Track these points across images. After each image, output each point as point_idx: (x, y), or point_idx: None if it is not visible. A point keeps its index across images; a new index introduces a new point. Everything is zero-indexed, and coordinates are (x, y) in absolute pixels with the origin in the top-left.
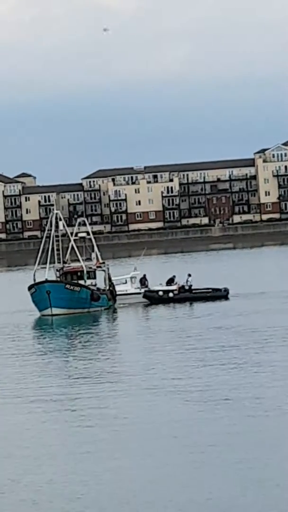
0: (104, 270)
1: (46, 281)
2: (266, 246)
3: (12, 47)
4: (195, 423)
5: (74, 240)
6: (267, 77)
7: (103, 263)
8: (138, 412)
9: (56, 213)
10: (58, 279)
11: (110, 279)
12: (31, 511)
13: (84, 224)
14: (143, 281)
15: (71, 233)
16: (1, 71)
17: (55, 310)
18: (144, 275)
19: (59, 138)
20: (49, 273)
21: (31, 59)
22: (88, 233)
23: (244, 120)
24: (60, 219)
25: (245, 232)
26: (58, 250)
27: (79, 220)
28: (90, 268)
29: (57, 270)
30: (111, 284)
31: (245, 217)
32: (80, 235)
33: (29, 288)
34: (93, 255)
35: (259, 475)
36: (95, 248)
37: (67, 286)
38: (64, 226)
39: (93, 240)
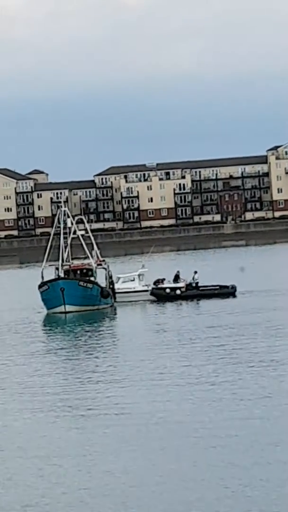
0: (104, 268)
1: (60, 278)
2: (278, 243)
3: (25, 43)
4: (198, 424)
5: (72, 238)
6: (280, 74)
7: (103, 261)
8: (143, 412)
9: (64, 210)
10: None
11: (110, 277)
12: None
13: (82, 222)
14: (177, 278)
15: (69, 232)
16: (14, 67)
17: (68, 308)
18: (178, 272)
19: (71, 135)
20: (48, 271)
21: (43, 55)
22: (86, 231)
23: (257, 117)
24: (68, 216)
25: (257, 229)
26: (66, 247)
27: (76, 218)
28: (89, 265)
29: (56, 268)
30: (111, 282)
31: (258, 214)
32: (78, 233)
33: (41, 285)
34: (93, 253)
35: (263, 476)
36: (95, 246)
37: (81, 283)
38: (72, 223)
39: (92, 238)
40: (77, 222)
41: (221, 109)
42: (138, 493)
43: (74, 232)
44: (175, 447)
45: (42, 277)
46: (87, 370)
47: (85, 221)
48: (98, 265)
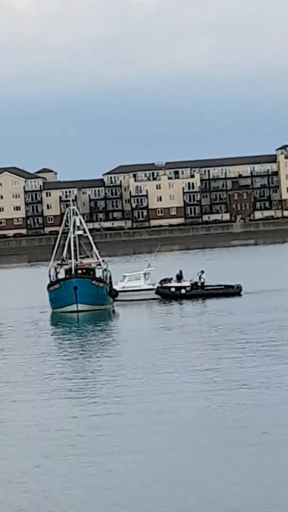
0: (105, 268)
1: (73, 276)
2: (287, 243)
3: (34, 41)
4: (200, 425)
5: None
6: None
7: (102, 261)
8: (143, 413)
9: (73, 209)
10: (55, 276)
11: (109, 277)
12: None
13: (80, 222)
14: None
15: (65, 232)
16: (23, 65)
17: (81, 306)
18: (180, 271)
19: (80, 134)
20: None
21: (52, 54)
22: (84, 231)
23: (266, 115)
24: (77, 215)
25: (266, 228)
26: (75, 246)
27: (73, 218)
28: (90, 265)
29: (55, 268)
30: (110, 282)
31: (267, 213)
32: (76, 233)
33: (52, 284)
34: (92, 253)
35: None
36: (93, 246)
37: (94, 282)
38: (81, 221)
39: (90, 238)
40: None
41: (230, 108)
42: (138, 493)
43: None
44: (177, 447)
45: (50, 276)
46: (96, 371)
47: (83, 221)
48: (97, 265)
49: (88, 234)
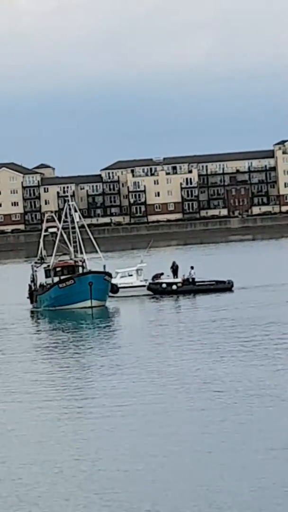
0: (82, 266)
1: (90, 272)
2: (285, 238)
3: (34, 37)
4: (195, 418)
5: (45, 235)
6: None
7: (79, 260)
8: (140, 408)
9: (71, 204)
10: (34, 274)
11: None
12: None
13: (53, 220)
14: (175, 270)
15: (41, 229)
16: (22, 61)
17: (94, 302)
18: (174, 263)
19: (78, 129)
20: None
21: (50, 49)
22: (58, 228)
23: (264, 111)
24: (76, 211)
25: (264, 223)
26: (74, 242)
27: (46, 215)
28: (71, 263)
29: (32, 267)
30: None
31: (264, 208)
32: (50, 230)
33: (63, 280)
34: (71, 249)
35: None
36: (69, 244)
37: (106, 277)
38: (80, 217)
39: (65, 236)
40: (48, 220)
41: (228, 103)
42: (135, 492)
43: (46, 230)
44: (175, 444)
45: (47, 276)
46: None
47: (55, 218)
48: (76, 262)
49: (62, 232)
